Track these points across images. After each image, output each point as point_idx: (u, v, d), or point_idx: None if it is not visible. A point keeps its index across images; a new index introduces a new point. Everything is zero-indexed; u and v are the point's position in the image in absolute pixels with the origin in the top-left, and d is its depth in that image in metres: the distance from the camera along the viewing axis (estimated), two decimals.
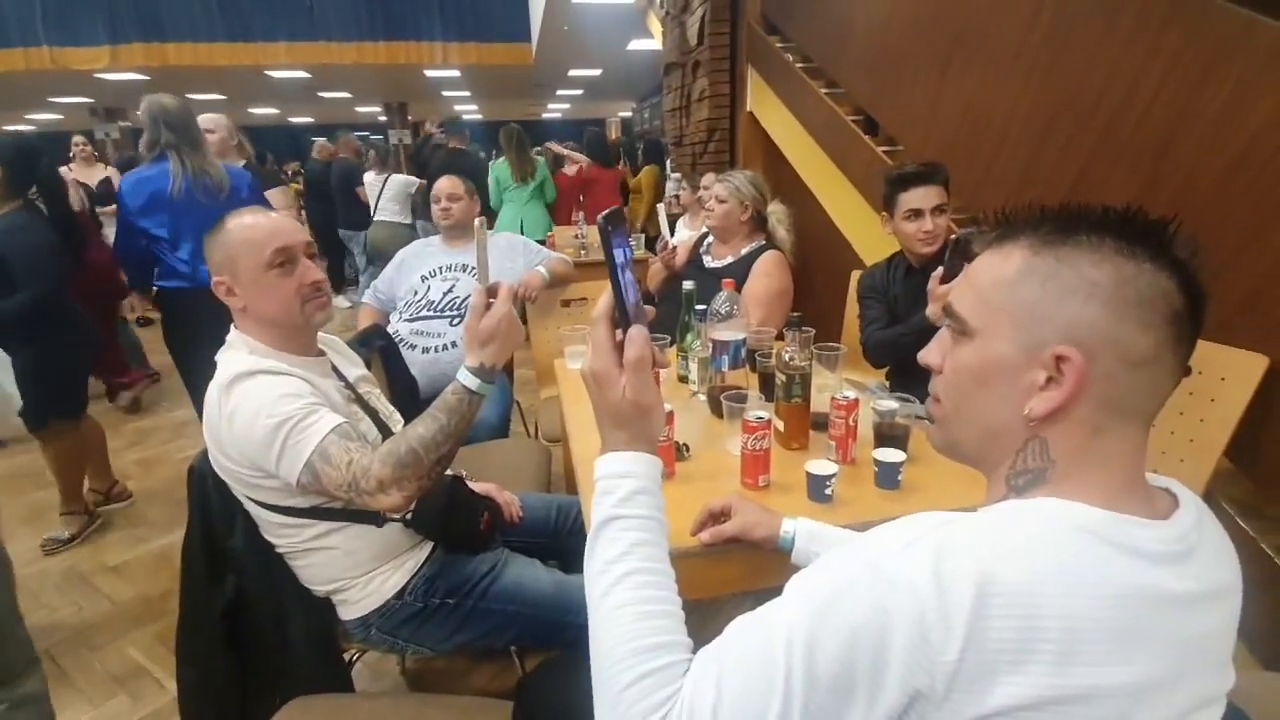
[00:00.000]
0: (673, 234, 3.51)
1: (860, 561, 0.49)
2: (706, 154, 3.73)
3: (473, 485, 1.40)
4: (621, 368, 0.64)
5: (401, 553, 1.27)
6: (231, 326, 1.22)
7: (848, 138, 2.60)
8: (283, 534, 1.19)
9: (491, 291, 1.10)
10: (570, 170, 5.51)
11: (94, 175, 5.07)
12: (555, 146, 5.94)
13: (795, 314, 1.59)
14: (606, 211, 0.65)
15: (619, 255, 0.64)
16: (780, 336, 1.81)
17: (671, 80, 4.25)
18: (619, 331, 0.65)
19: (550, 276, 2.50)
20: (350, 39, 8.13)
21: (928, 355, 0.61)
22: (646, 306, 0.69)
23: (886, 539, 0.49)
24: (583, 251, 4.09)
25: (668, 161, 5.11)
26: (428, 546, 1.30)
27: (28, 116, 12.69)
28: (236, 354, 1.17)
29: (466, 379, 1.09)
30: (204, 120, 2.74)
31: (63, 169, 4.41)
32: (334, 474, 1.05)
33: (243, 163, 3.03)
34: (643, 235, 4.83)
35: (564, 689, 0.96)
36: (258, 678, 1.26)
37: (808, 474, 1.12)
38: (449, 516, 1.26)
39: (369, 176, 5.57)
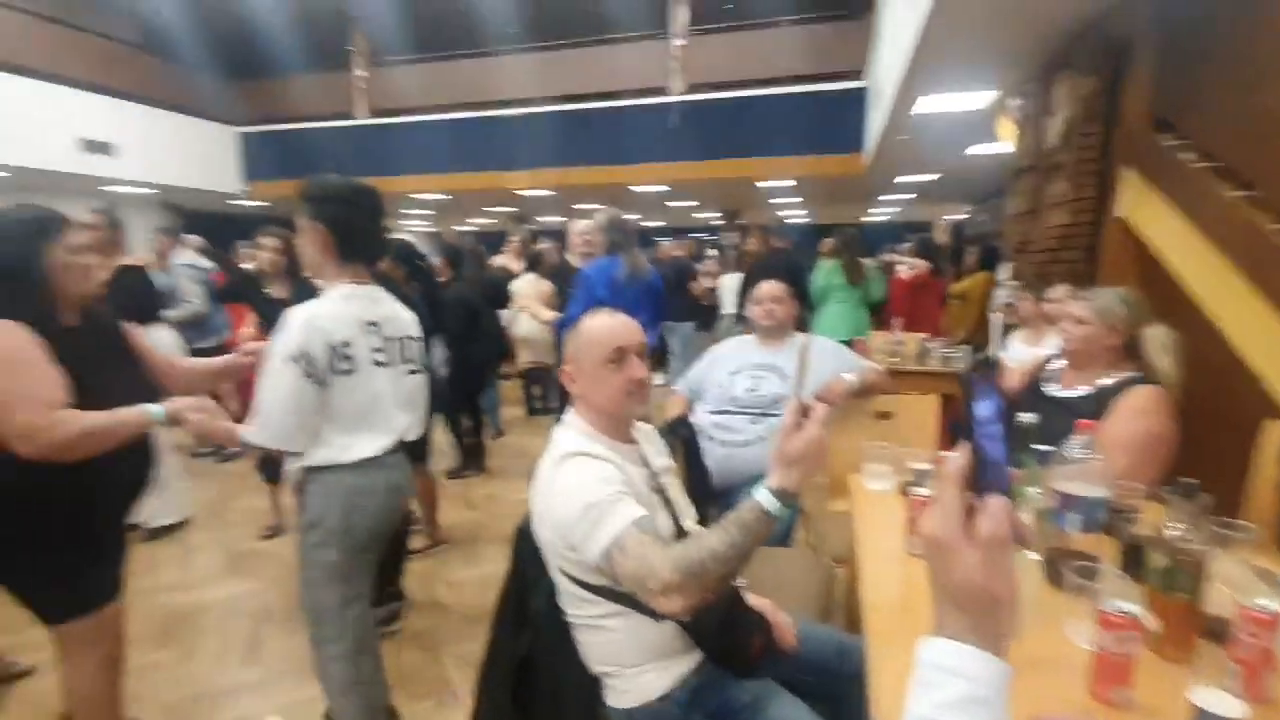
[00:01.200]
0: (1005, 348, 3.06)
1: None
2: (1058, 262, 3.23)
3: (749, 598, 1.31)
4: (971, 541, 0.52)
5: (673, 655, 1.23)
6: (569, 409, 1.35)
7: (1266, 251, 2.00)
8: (576, 605, 1.24)
9: (806, 411, 1.04)
10: (906, 275, 5.31)
11: (513, 265, 6.37)
12: (895, 254, 5.82)
13: (1192, 480, 1.17)
14: (976, 359, 0.55)
15: (984, 409, 0.54)
16: (1152, 497, 1.39)
17: (1021, 184, 3.83)
18: (972, 496, 0.54)
19: (859, 384, 2.34)
20: (701, 159, 9.17)
21: None
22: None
23: None
24: (895, 359, 3.82)
25: (1000, 268, 4.61)
26: (699, 655, 1.24)
27: (468, 220, 16.69)
28: (569, 433, 1.29)
29: (766, 500, 1.03)
30: (579, 224, 3.42)
31: (497, 258, 5.85)
32: (626, 565, 1.07)
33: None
34: (968, 348, 4.36)
35: None
36: None
37: (1197, 709, 0.80)
38: (723, 629, 1.19)
39: (726, 279, 6.06)
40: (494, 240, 6.71)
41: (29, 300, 1.43)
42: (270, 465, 3.25)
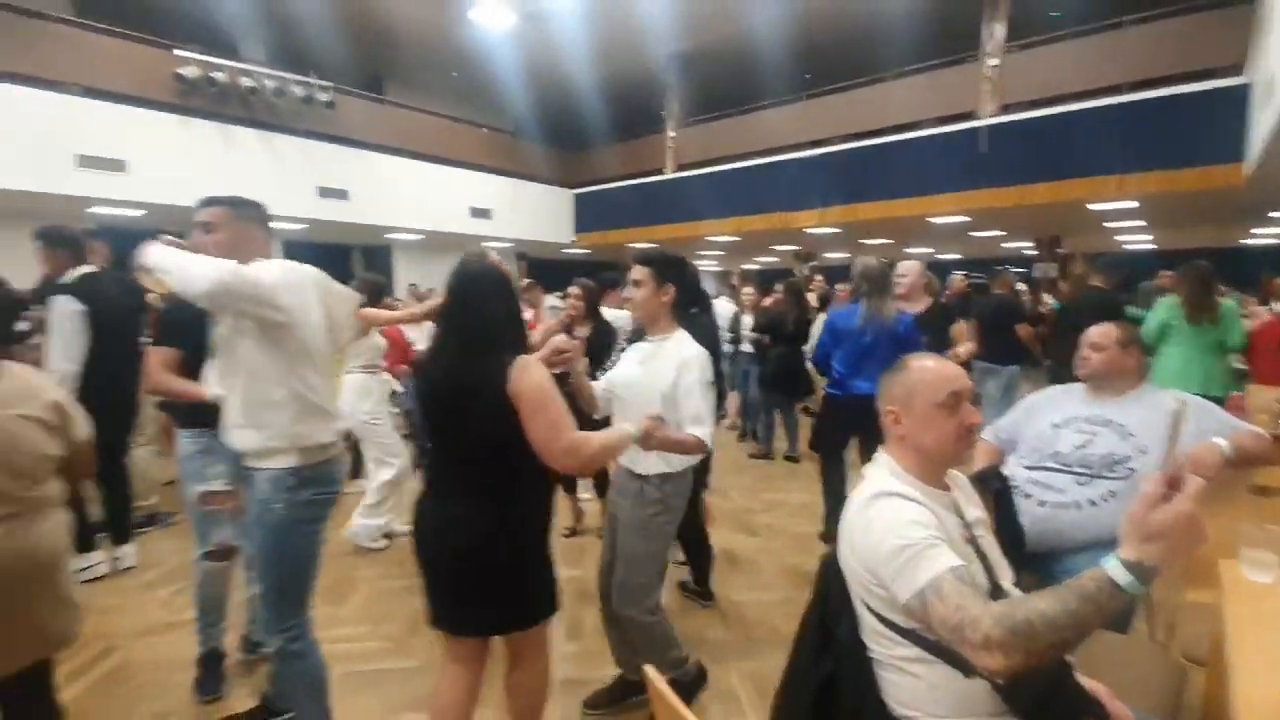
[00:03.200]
0: None
1: None
2: None
3: (1080, 678, 1.19)
4: None
5: (982, 715, 1.17)
6: (880, 449, 1.38)
7: None
8: (879, 642, 1.25)
9: (1174, 483, 0.92)
10: (1254, 323, 4.12)
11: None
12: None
13: None
14: None
15: None
16: None
17: None
18: None
19: (1234, 454, 1.91)
20: (1010, 184, 8.20)
21: None
22: None
23: None
24: None
25: None
26: None
27: (755, 259, 17.24)
28: (880, 472, 1.32)
29: (1117, 572, 0.93)
30: (901, 266, 3.56)
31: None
32: (942, 611, 1.06)
33: (929, 300, 3.55)
34: None
35: None
36: None
37: None
38: (1046, 701, 1.10)
39: None
40: (777, 275, 6.94)
41: (525, 342, 1.76)
42: (568, 480, 3.81)
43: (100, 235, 3.90)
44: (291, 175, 9.13)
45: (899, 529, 1.15)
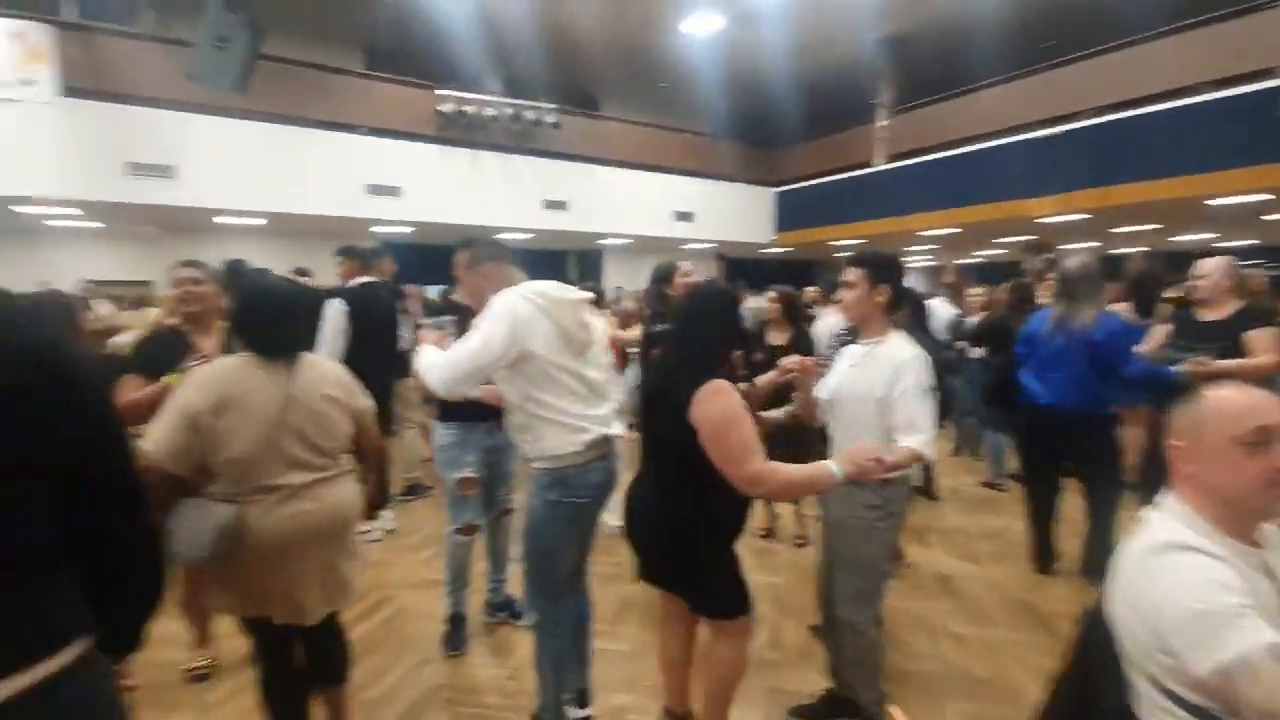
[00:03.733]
0: None
1: None
2: None
3: None
4: None
5: None
6: (1167, 491, 1.17)
7: None
8: (1158, 717, 1.06)
9: None
10: None
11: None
12: None
13: None
14: None
15: None
16: None
17: None
18: None
19: None
20: None
21: None
22: None
23: None
24: None
25: None
26: None
27: (974, 253, 15.51)
28: (1169, 519, 1.11)
29: None
30: (1201, 265, 2.93)
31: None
32: (1255, 694, 0.88)
33: (1238, 303, 2.89)
34: None
35: None
36: None
37: None
38: None
39: None
40: (1004, 271, 6.07)
41: (722, 364, 1.78)
42: None
43: (384, 250, 4.68)
44: (522, 191, 10.12)
45: (1197, 591, 0.97)
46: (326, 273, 5.03)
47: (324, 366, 1.89)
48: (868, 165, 11.51)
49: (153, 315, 4.55)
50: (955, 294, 5.86)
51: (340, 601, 1.86)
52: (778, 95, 12.30)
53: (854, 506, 2.01)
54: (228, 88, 6.16)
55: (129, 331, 3.84)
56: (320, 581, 1.77)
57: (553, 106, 10.34)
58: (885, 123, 11.43)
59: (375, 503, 2.05)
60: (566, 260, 13.22)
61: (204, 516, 1.60)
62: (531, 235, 10.82)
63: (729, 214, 12.43)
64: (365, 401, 1.94)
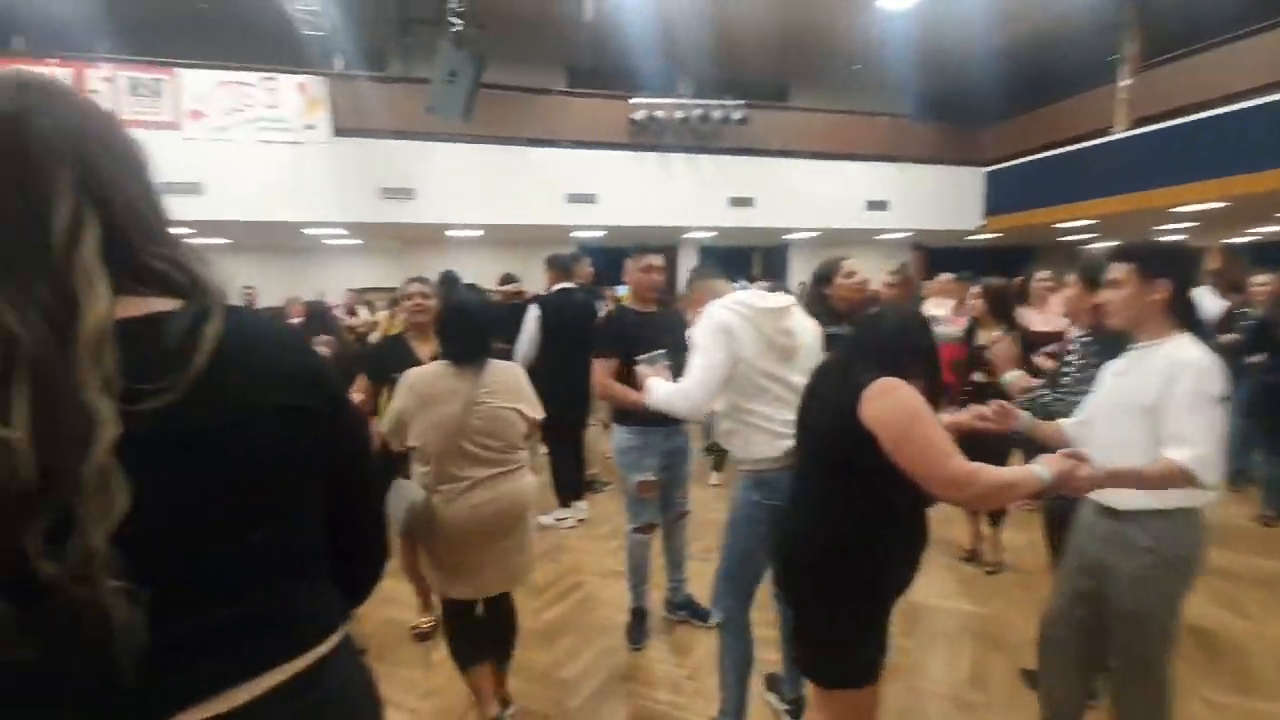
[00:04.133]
0: None
1: None
2: None
3: None
4: None
5: None
6: None
7: None
8: None
9: None
10: None
11: None
12: None
13: None
14: None
15: None
16: None
17: None
18: None
19: None
20: None
21: None
22: None
23: None
24: None
25: None
26: None
27: (1246, 230, 12.53)
28: None
29: None
30: None
31: None
32: None
33: None
34: None
35: None
36: None
37: None
38: None
39: None
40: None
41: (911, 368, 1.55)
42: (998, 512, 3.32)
43: (581, 256, 5.04)
44: (709, 190, 10.16)
45: None
46: (535, 277, 5.53)
47: (506, 372, 2.11)
48: (1103, 133, 9.80)
49: (382, 320, 5.33)
50: (1223, 282, 4.80)
51: (515, 582, 2.15)
52: (985, 66, 10.93)
53: (1120, 552, 1.69)
54: (457, 116, 6.97)
55: (378, 330, 4.61)
56: (497, 563, 2.04)
57: (739, 103, 10.24)
58: (1127, 82, 9.63)
59: (561, 486, 2.27)
60: (751, 257, 13.05)
61: (403, 496, 1.94)
62: (716, 233, 10.84)
63: (928, 200, 11.35)
64: (535, 412, 2.14)
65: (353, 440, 0.83)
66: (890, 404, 1.41)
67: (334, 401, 0.77)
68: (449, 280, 5.27)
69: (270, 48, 8.74)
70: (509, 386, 2.07)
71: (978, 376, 3.19)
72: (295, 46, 8.73)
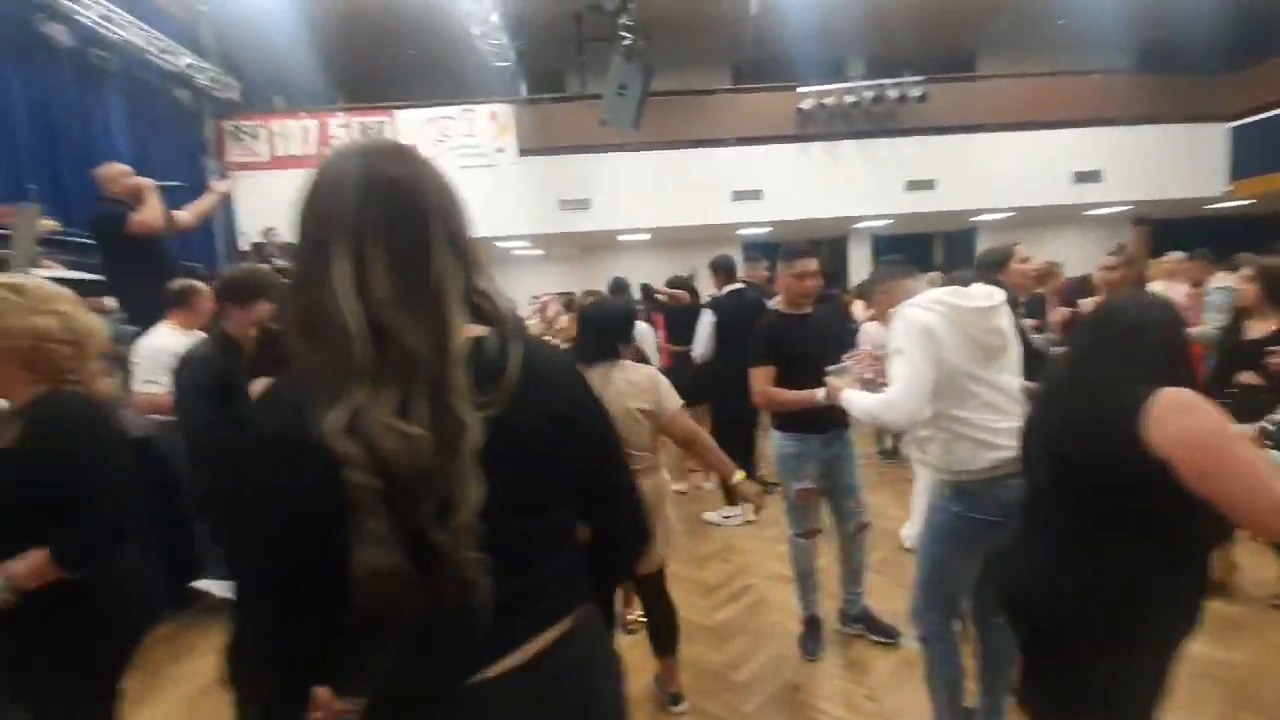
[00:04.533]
0: None
1: None
2: None
3: None
4: None
5: None
6: None
7: None
8: None
9: None
10: None
11: None
12: None
13: None
14: None
15: None
16: None
17: None
18: None
19: None
20: None
21: None
22: None
23: None
24: None
25: None
26: None
27: None
28: None
29: None
30: None
31: None
32: None
33: None
34: None
35: None
36: None
37: None
38: None
39: None
40: None
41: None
42: None
43: (751, 253, 5.03)
44: (883, 175, 9.53)
45: None
46: (704, 275, 5.63)
47: (635, 372, 2.18)
48: None
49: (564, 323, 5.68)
50: None
51: (653, 565, 2.23)
52: (1218, 2, 8.97)
53: None
54: (628, 126, 7.25)
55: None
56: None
57: (918, 79, 9.46)
58: None
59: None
60: (931, 244, 12.00)
61: None
62: (891, 220, 10.14)
63: (1153, 165, 9.57)
64: (672, 402, 2.17)
65: (609, 442, 0.99)
66: (1195, 424, 1.16)
67: (593, 411, 0.95)
68: (618, 286, 5.53)
69: (467, 82, 9.75)
70: (640, 387, 2.13)
71: (1246, 377, 2.65)
72: (487, 78, 9.64)
